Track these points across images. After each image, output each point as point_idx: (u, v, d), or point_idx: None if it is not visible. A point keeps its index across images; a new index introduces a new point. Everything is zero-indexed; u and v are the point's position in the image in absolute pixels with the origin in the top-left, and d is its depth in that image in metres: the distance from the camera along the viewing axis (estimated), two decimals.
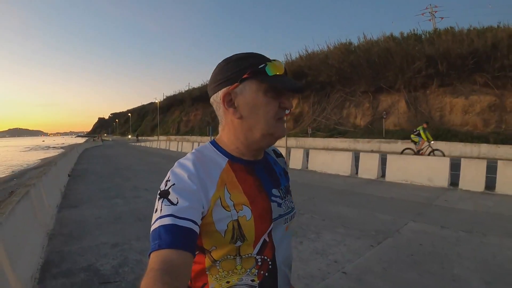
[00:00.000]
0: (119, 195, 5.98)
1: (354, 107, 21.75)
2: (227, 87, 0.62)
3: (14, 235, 2.44)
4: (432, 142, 9.70)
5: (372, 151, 12.56)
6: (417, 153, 9.66)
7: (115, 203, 5.35)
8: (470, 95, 16.59)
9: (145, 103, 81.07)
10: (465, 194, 5.59)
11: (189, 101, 45.58)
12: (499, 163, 5.83)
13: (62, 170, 8.15)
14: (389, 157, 7.41)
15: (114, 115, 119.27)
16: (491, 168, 5.92)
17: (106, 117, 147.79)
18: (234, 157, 0.66)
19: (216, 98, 0.65)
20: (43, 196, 4.21)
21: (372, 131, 19.24)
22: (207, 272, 0.61)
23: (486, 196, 5.35)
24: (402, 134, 17.30)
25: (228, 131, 0.66)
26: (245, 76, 0.61)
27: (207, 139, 28.43)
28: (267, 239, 0.63)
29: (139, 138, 46.57)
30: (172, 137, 40.12)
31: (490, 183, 5.72)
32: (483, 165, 5.96)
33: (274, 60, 0.64)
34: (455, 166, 6.56)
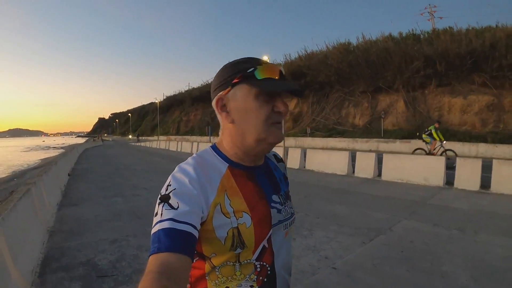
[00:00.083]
0: (118, 194, 6.08)
1: (353, 107, 21.82)
2: (221, 92, 0.64)
3: (16, 230, 2.53)
4: (444, 142, 9.48)
5: (370, 151, 12.63)
6: (429, 153, 9.37)
7: (114, 201, 5.45)
8: (468, 95, 16.64)
9: (145, 103, 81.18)
10: (460, 193, 5.63)
11: (189, 101, 45.68)
12: (494, 162, 5.87)
13: (62, 169, 8.25)
14: (385, 156, 7.48)
15: (114, 115, 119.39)
16: (487, 168, 5.94)
17: (106, 117, 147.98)
18: (234, 162, 0.66)
19: (213, 103, 0.67)
20: (44, 194, 4.30)
21: (371, 131, 19.32)
22: (206, 278, 0.62)
23: (481, 195, 5.39)
24: (400, 133, 17.38)
25: (226, 136, 0.67)
26: (235, 80, 0.62)
27: (206, 139, 28.53)
28: (267, 245, 0.63)
29: (140, 138, 46.72)
30: (172, 137, 40.21)
31: (486, 182, 5.76)
32: (478, 164, 6.02)
33: (266, 63, 0.63)
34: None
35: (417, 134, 16.56)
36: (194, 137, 35.33)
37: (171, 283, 0.45)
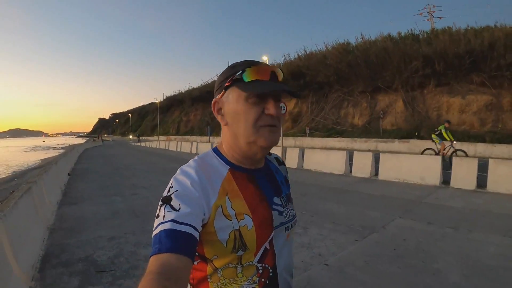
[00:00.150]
0: (117, 193, 6.16)
1: (352, 107, 21.89)
2: (217, 96, 0.66)
3: (17, 227, 2.60)
4: (455, 142, 9.27)
5: (369, 151, 12.69)
6: (439, 153, 9.12)
7: (114, 200, 5.52)
8: (467, 94, 16.70)
9: (145, 103, 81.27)
10: (456, 192, 5.65)
11: (188, 101, 45.78)
12: (490, 161, 5.91)
13: (63, 169, 8.33)
14: (382, 156, 7.54)
15: (115, 115, 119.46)
16: (484, 167, 5.96)
17: (107, 117, 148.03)
18: (235, 165, 0.66)
19: (212, 106, 0.68)
20: (44, 193, 4.38)
21: (370, 130, 19.39)
22: (208, 280, 0.62)
23: (477, 194, 5.41)
24: (399, 133, 17.45)
25: (224, 139, 0.68)
26: (226, 84, 0.64)
27: (206, 139, 28.60)
28: (268, 247, 0.63)
29: (141, 138, 46.90)
30: (172, 137, 40.30)
31: (482, 182, 5.78)
32: (474, 163, 6.06)
33: (258, 65, 0.63)
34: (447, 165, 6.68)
35: (416, 134, 16.63)
36: (194, 137, 35.43)
37: (171, 283, 0.45)
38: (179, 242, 0.51)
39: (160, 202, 0.58)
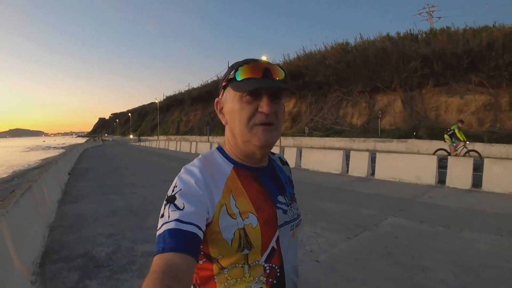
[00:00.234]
0: (116, 192, 6.25)
1: (351, 106, 21.97)
2: (220, 96, 0.67)
3: (18, 224, 2.69)
4: (467, 142, 9.10)
5: (368, 150, 12.76)
6: (450, 154, 8.95)
7: (113, 198, 5.62)
8: (465, 94, 16.77)
9: (145, 103, 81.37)
10: (451, 191, 5.68)
11: (188, 101, 45.87)
12: (486, 161, 5.96)
13: (63, 168, 8.42)
14: (378, 155, 7.60)
15: (115, 115, 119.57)
16: (481, 166, 5.98)
17: (107, 117, 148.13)
18: (238, 163, 0.66)
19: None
20: (45, 192, 4.46)
21: (368, 130, 19.46)
22: (215, 280, 0.61)
23: (472, 194, 5.44)
24: (397, 133, 17.52)
25: (226, 137, 0.69)
26: (223, 84, 0.65)
27: (205, 139, 28.67)
28: (275, 247, 0.63)
29: (141, 138, 47.05)
30: (172, 137, 40.40)
31: (478, 181, 5.81)
32: (469, 163, 6.12)
33: (251, 63, 0.63)
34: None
35: (414, 133, 16.69)
36: (193, 137, 35.51)
37: (174, 283, 0.45)
38: (183, 241, 0.51)
39: (164, 202, 0.58)
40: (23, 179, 10.68)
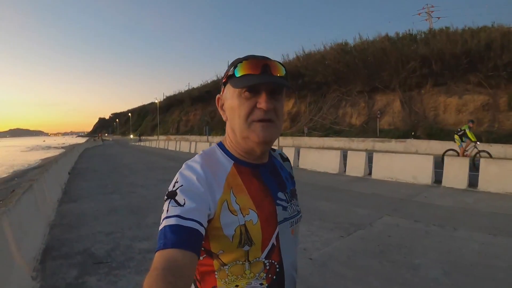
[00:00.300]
0: (116, 191, 6.33)
1: (350, 106, 22.03)
2: (221, 92, 0.68)
3: (20, 222, 2.76)
4: (478, 143, 8.82)
5: (366, 150, 12.82)
6: (461, 154, 8.74)
7: (112, 198, 5.70)
8: (464, 94, 16.82)
9: (145, 103, 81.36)
10: (447, 191, 5.72)
11: (188, 101, 45.94)
12: (482, 161, 6.01)
13: (63, 168, 8.50)
14: (375, 155, 7.66)
15: (115, 115, 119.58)
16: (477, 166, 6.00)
17: (107, 117, 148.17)
18: (239, 159, 0.67)
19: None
20: (45, 191, 4.54)
21: (367, 130, 19.52)
22: (216, 276, 0.62)
23: (468, 193, 5.46)
24: (396, 133, 17.58)
25: (227, 134, 0.69)
26: (223, 80, 0.66)
27: (205, 139, 28.74)
28: (275, 243, 0.63)
29: (141, 138, 47.15)
30: (172, 137, 40.47)
31: (474, 181, 5.84)
32: (466, 162, 6.16)
33: (251, 59, 0.63)
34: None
35: (412, 133, 16.76)
36: (193, 137, 35.58)
37: (176, 279, 0.45)
38: (184, 237, 0.51)
39: (166, 197, 0.58)
40: (23, 179, 10.76)
